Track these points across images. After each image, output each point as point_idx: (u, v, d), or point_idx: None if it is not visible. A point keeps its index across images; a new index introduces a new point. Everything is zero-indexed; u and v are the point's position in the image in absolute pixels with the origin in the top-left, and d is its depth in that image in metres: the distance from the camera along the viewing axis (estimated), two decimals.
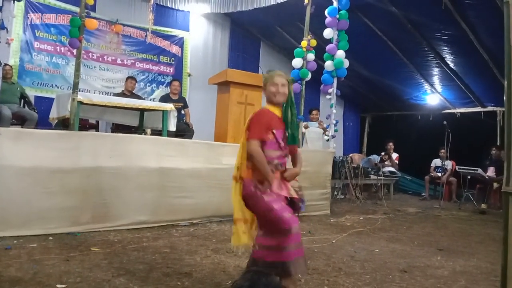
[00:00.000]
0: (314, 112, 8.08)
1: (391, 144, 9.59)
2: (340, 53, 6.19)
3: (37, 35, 7.21)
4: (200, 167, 4.88)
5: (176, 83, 7.51)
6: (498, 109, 9.26)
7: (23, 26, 7.04)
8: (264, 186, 2.56)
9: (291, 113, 2.73)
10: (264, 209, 2.54)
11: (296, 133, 2.79)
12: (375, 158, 9.20)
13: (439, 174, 8.94)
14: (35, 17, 7.19)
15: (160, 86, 8.61)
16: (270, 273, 2.47)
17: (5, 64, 6.26)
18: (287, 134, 2.71)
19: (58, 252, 3.38)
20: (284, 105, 2.72)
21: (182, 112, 7.32)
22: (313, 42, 6.48)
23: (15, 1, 4.22)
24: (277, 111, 2.70)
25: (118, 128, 6.61)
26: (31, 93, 6.94)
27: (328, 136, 6.52)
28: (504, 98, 2.17)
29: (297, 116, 2.93)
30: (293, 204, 2.67)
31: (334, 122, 6.46)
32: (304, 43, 6.39)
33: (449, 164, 8.85)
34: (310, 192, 5.94)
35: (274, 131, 2.62)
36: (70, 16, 6.48)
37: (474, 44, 7.26)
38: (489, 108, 9.46)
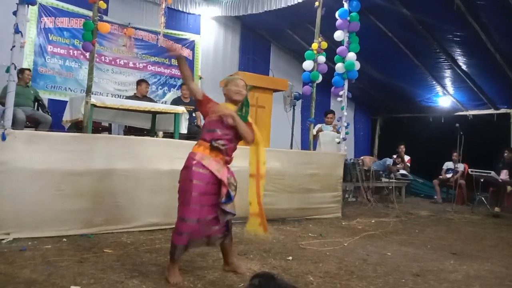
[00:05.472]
0: (329, 115, 8.04)
1: (402, 146, 9.53)
2: (351, 55, 6.17)
3: (50, 38, 7.31)
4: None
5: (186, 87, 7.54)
6: (511, 111, 9.16)
7: (36, 30, 7.13)
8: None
9: (245, 110, 3.14)
10: (185, 187, 2.89)
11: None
12: (391, 161, 9.13)
13: (448, 176, 8.87)
14: (48, 21, 7.28)
15: (172, 89, 8.66)
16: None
17: (26, 69, 6.37)
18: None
19: (72, 254, 3.41)
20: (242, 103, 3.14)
21: (194, 114, 7.36)
22: (324, 45, 6.47)
23: (29, 5, 4.26)
24: (231, 108, 3.06)
25: (130, 130, 6.66)
26: (45, 96, 7.03)
27: (339, 138, 6.50)
28: None
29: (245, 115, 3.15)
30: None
31: (345, 124, 6.44)
32: (314, 45, 6.39)
33: (461, 166, 8.76)
34: (321, 195, 5.93)
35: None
36: (82, 19, 6.57)
37: (486, 45, 7.20)
38: (502, 110, 9.36)
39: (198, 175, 2.88)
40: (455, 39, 7.49)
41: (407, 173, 9.19)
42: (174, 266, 2.95)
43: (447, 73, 8.72)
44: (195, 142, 3.16)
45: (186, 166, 2.96)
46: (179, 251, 2.94)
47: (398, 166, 9.09)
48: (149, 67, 8.43)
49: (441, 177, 9.16)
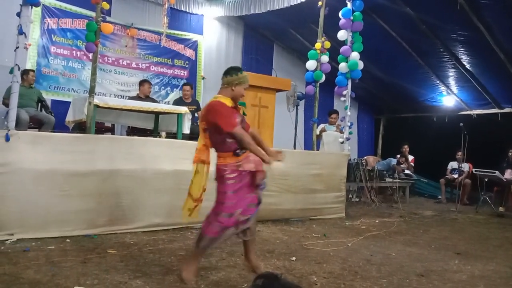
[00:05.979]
0: (333, 115, 8.01)
1: (406, 146, 9.48)
2: (355, 55, 6.15)
3: (53, 39, 7.31)
4: (214, 170, 4.87)
5: (187, 87, 7.53)
6: None
7: (40, 31, 7.14)
8: (247, 165, 3.02)
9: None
10: (220, 189, 3.02)
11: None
12: (395, 161, 9.09)
13: (455, 176, 8.84)
14: (51, 22, 7.29)
15: (175, 89, 8.65)
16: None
17: (30, 70, 6.39)
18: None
19: (76, 254, 3.42)
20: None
21: (196, 115, 7.35)
22: (327, 44, 6.45)
23: (33, 6, 4.27)
24: (228, 102, 3.08)
25: (133, 131, 6.66)
26: (48, 97, 7.03)
27: (342, 138, 6.48)
28: None
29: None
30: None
31: (349, 124, 6.42)
32: (318, 45, 6.37)
33: (466, 166, 8.72)
34: (325, 195, 5.92)
35: None
36: (85, 20, 6.57)
37: (490, 44, 7.15)
38: (506, 110, 9.29)
39: (233, 178, 3.00)
40: (459, 38, 7.44)
41: (411, 173, 9.16)
42: (196, 260, 3.00)
43: (451, 72, 8.67)
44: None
45: (219, 176, 3.05)
46: (208, 242, 2.99)
47: (402, 166, 9.06)
48: (152, 67, 8.43)
49: (447, 177, 9.12)
